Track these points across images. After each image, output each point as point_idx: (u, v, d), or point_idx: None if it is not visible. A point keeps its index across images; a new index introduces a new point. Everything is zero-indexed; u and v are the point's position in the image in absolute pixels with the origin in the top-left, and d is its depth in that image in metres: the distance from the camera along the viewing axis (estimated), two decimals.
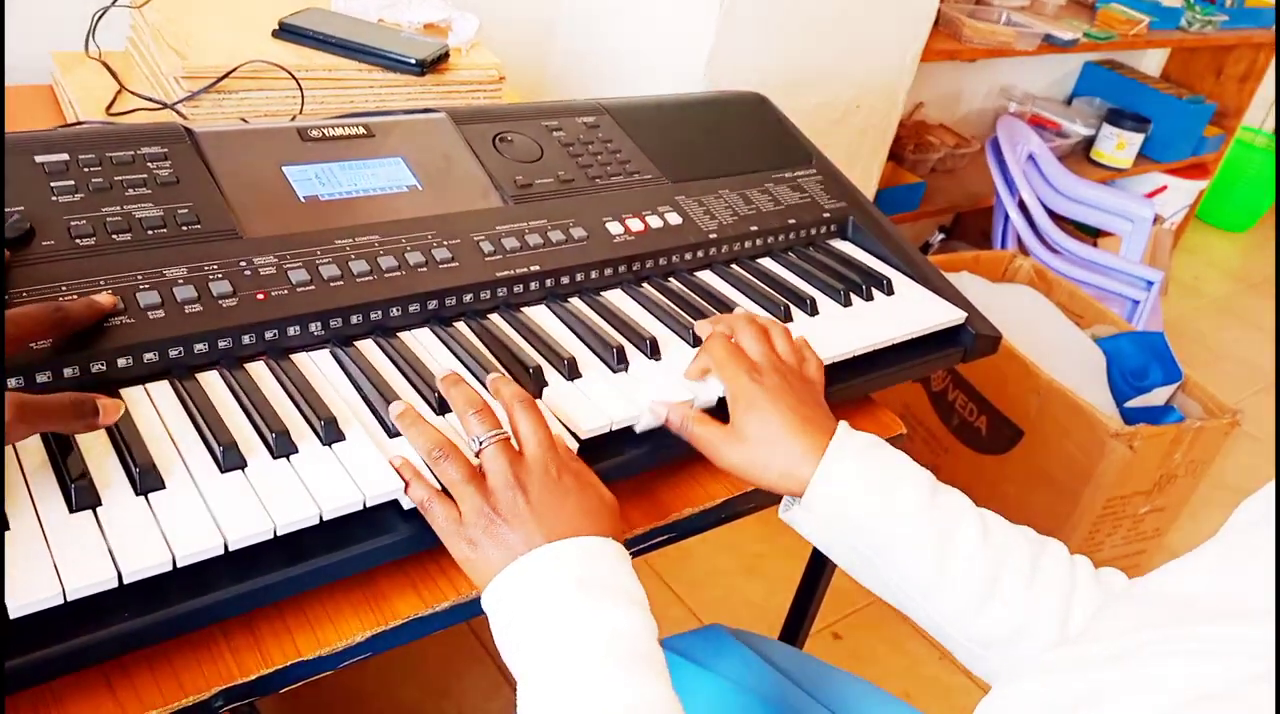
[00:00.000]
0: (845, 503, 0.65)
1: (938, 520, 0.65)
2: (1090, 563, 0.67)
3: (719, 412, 0.72)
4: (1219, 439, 1.55)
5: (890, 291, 0.92)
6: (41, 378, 0.58)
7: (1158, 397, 1.64)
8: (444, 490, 0.59)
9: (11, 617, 0.46)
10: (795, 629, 1.05)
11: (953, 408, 1.73)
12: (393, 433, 0.62)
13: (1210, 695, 0.41)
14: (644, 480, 0.75)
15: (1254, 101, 3.04)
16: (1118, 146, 2.65)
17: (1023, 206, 2.18)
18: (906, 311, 0.90)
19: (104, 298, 0.61)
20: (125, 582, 0.50)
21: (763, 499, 0.79)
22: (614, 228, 0.86)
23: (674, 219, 0.89)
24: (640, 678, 0.53)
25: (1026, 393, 1.56)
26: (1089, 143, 2.73)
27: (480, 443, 0.60)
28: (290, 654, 0.56)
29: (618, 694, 0.51)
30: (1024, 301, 1.80)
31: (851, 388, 0.84)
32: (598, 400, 0.70)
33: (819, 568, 1.02)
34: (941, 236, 2.65)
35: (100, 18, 1.06)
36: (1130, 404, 1.64)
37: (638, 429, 0.70)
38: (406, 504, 0.59)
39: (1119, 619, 0.52)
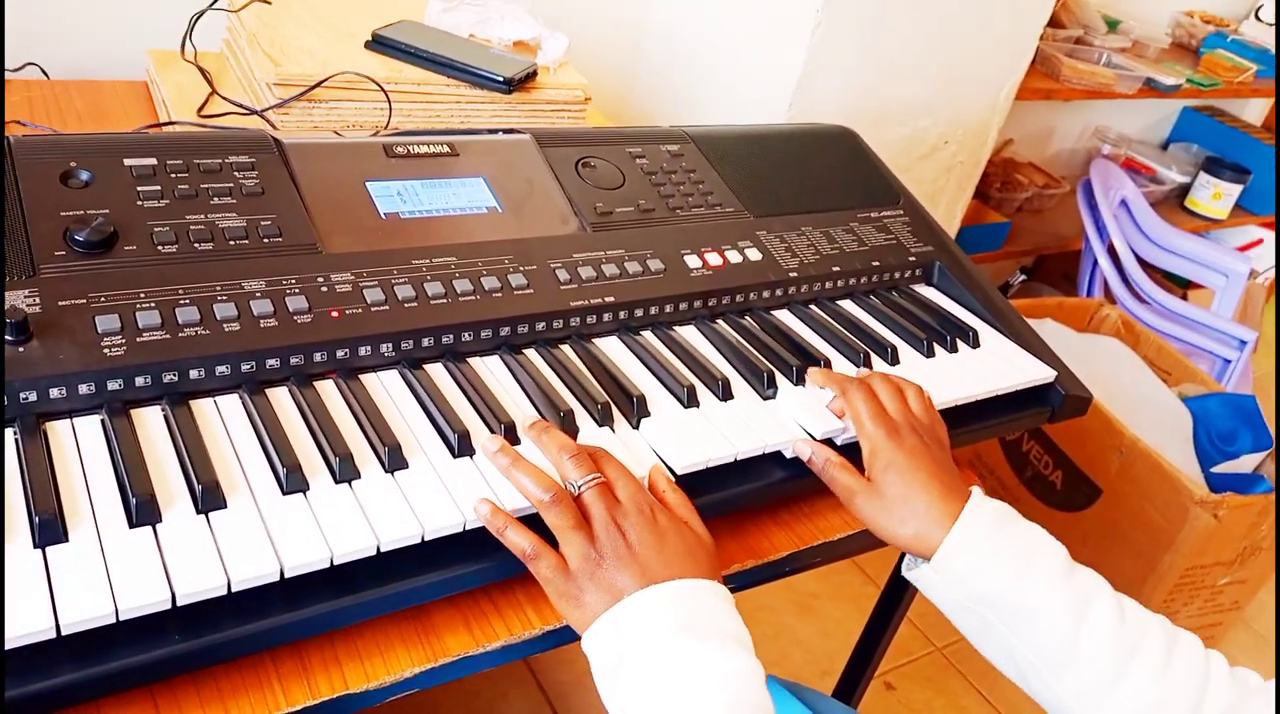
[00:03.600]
0: (979, 568, 0.65)
1: (1073, 593, 0.65)
2: (1225, 659, 0.65)
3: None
4: None
5: (976, 344, 0.88)
6: (113, 385, 0.58)
7: (1245, 463, 1.57)
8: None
9: (64, 633, 0.46)
10: (853, 681, 1.02)
11: (1027, 459, 1.67)
12: (458, 454, 0.61)
13: None
14: (740, 520, 0.74)
15: None
16: (1214, 196, 2.55)
17: (1112, 253, 2.11)
18: (992, 366, 0.86)
19: None
20: (179, 604, 0.49)
21: (829, 552, 0.76)
22: (692, 261, 0.84)
23: (754, 255, 0.87)
24: None
25: (1108, 451, 1.50)
26: (1184, 190, 2.63)
27: (578, 488, 0.60)
28: (338, 686, 0.55)
29: None
30: (1110, 354, 1.73)
31: None
32: (678, 439, 0.68)
33: (885, 620, 0.98)
34: (1023, 277, 2.57)
35: (198, 19, 1.08)
36: (1216, 469, 1.57)
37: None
38: (460, 527, 0.58)
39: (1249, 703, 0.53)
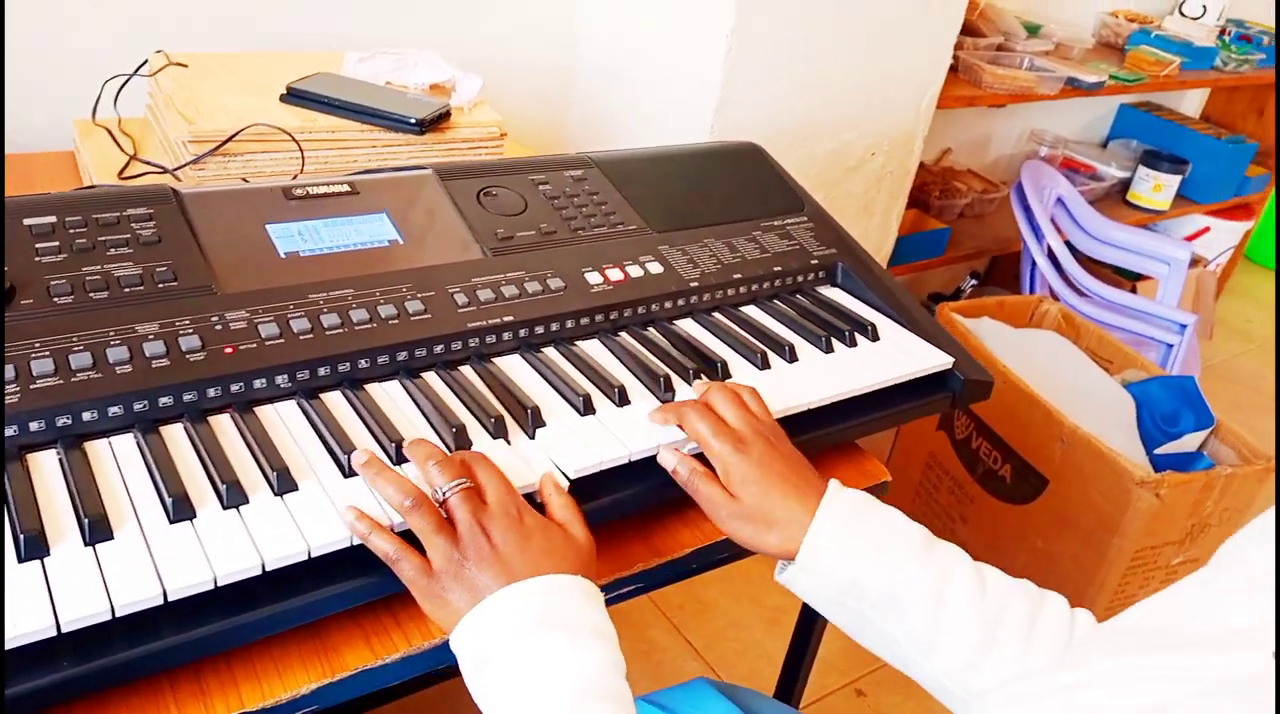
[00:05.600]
0: (838, 559, 0.66)
1: (932, 573, 0.65)
2: (1092, 616, 0.66)
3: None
4: (1252, 486, 1.49)
5: (876, 337, 0.91)
6: (9, 431, 0.60)
7: (1190, 442, 1.59)
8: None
9: None
10: (791, 680, 1.03)
11: (977, 456, 1.69)
12: (349, 474, 0.63)
13: (1132, 709, 0.41)
14: (645, 520, 0.77)
15: None
16: (1154, 188, 2.60)
17: (1051, 251, 2.15)
18: (890, 357, 0.88)
19: None
20: (64, 630, 0.51)
21: (736, 548, 0.78)
22: (593, 277, 0.86)
23: (655, 268, 0.90)
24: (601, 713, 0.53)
25: (1050, 440, 1.52)
26: (1125, 185, 2.69)
27: (444, 493, 0.61)
28: (234, 705, 0.56)
29: None
30: (1049, 347, 1.76)
31: (832, 435, 0.83)
32: (572, 445, 0.70)
33: (809, 625, 1.00)
34: (974, 282, 2.61)
35: (108, 84, 1.12)
36: (1160, 451, 1.59)
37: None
38: (347, 542, 0.59)
39: (1086, 653, 0.54)
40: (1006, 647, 0.63)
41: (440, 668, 0.63)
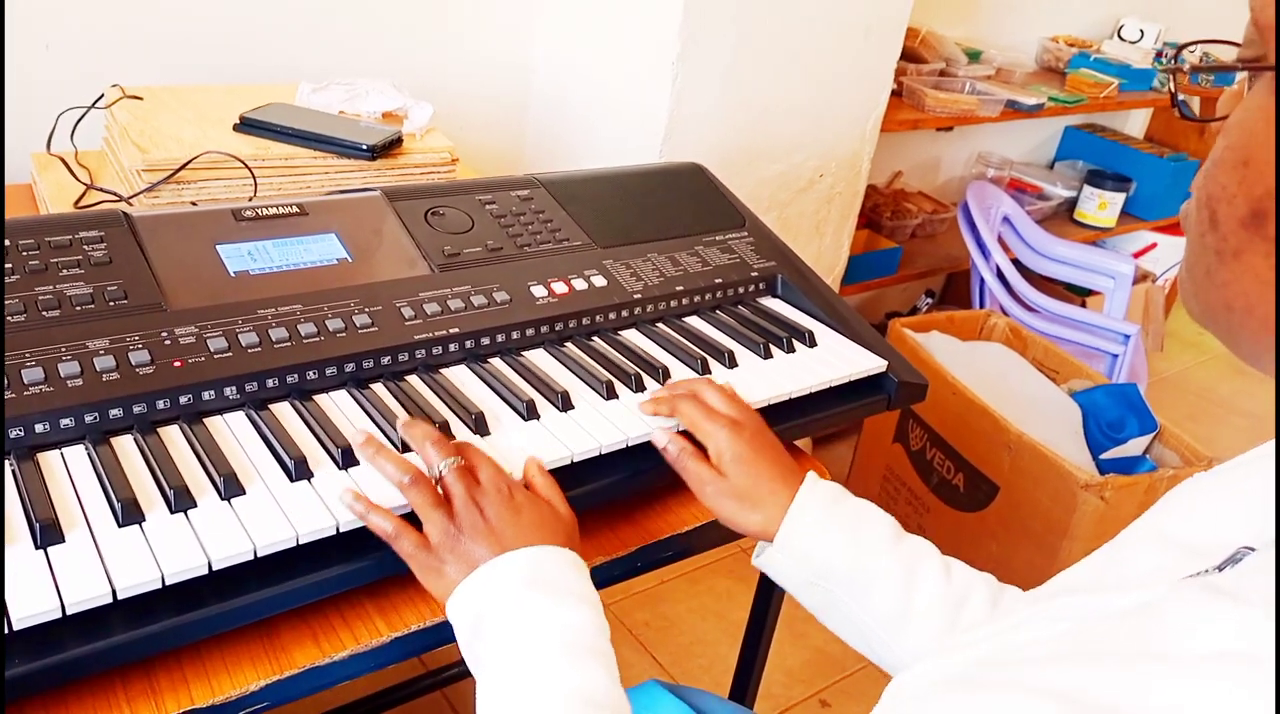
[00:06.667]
0: (813, 543, 0.70)
1: (902, 558, 0.70)
2: (1020, 594, 0.69)
3: None
4: None
5: (813, 343, 0.95)
6: None
7: (1134, 447, 1.64)
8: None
9: None
10: (744, 680, 1.05)
11: (931, 466, 1.73)
12: (295, 478, 0.65)
13: (1038, 640, 0.44)
14: (592, 519, 0.79)
15: None
16: (1100, 206, 2.68)
17: (999, 268, 2.21)
18: (827, 362, 0.92)
19: None
20: (15, 628, 0.52)
21: (679, 545, 0.81)
22: (538, 291, 0.89)
23: (599, 281, 0.93)
24: (585, 667, 0.57)
25: (999, 448, 1.57)
26: (1073, 204, 2.77)
27: (440, 471, 0.65)
28: (184, 702, 0.58)
29: (562, 680, 0.55)
30: (996, 359, 1.81)
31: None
32: (518, 449, 0.73)
33: (760, 623, 1.02)
34: (930, 301, 2.67)
35: (63, 116, 1.14)
36: (1106, 456, 1.64)
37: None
38: (294, 542, 0.62)
39: (1009, 609, 0.59)
40: (969, 629, 0.66)
41: (414, 670, 0.65)
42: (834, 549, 0.70)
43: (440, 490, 0.65)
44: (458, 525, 0.63)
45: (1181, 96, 0.48)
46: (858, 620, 0.71)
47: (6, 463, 0.63)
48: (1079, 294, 2.68)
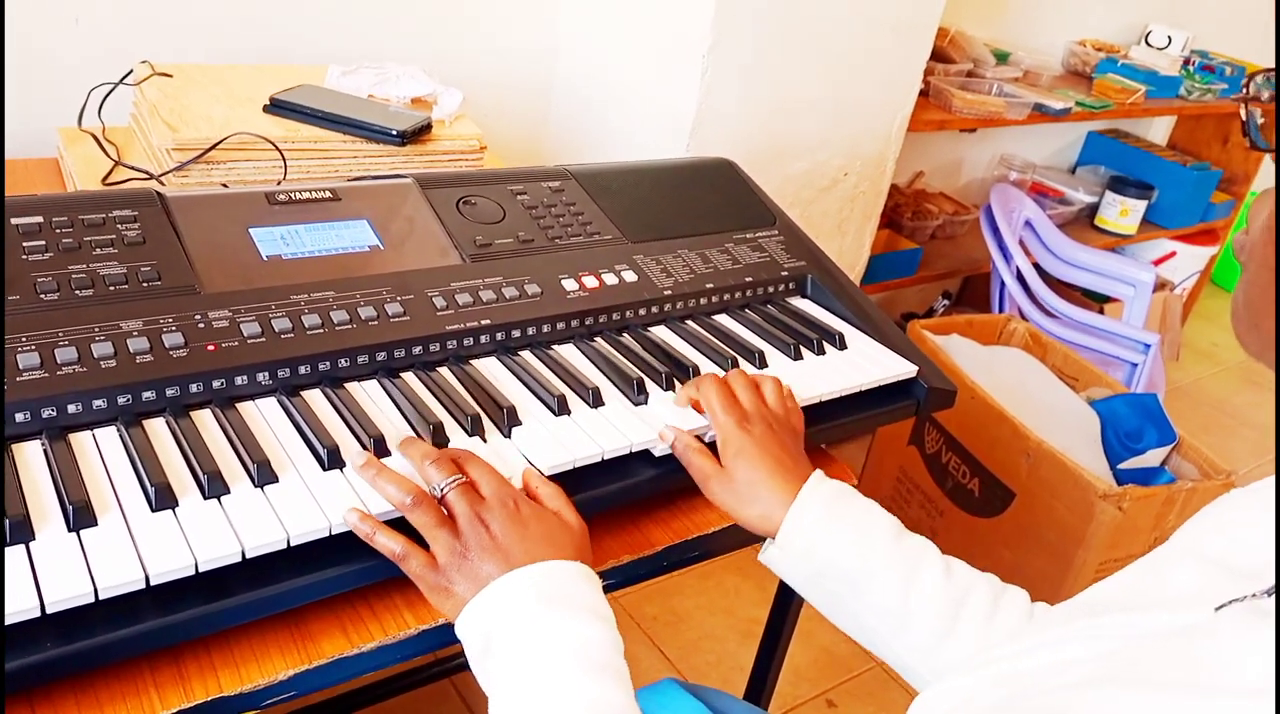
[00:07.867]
0: (817, 540, 0.70)
1: (904, 557, 0.70)
2: (1049, 607, 0.69)
3: None
4: (1213, 500, 1.53)
5: (843, 346, 0.94)
6: None
7: (1152, 458, 1.63)
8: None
9: None
10: (760, 680, 1.05)
11: (947, 470, 1.72)
12: (328, 467, 0.65)
13: (1079, 660, 0.44)
14: (619, 518, 0.79)
15: (1261, 168, 3.05)
16: (1121, 213, 2.66)
17: (1019, 272, 2.20)
18: (857, 365, 0.91)
19: None
20: (48, 612, 0.52)
21: (705, 546, 0.80)
22: (569, 284, 0.89)
23: (630, 277, 0.92)
24: (599, 682, 0.56)
25: (1016, 455, 1.56)
26: (1093, 210, 2.75)
27: (441, 489, 0.64)
28: (213, 690, 0.58)
29: (578, 695, 0.55)
30: (1016, 364, 1.80)
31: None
32: (547, 443, 0.72)
33: (778, 626, 1.02)
34: (946, 303, 2.66)
35: (94, 92, 1.13)
36: (1124, 466, 1.63)
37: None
38: (326, 532, 0.61)
39: (1040, 624, 0.59)
40: (969, 625, 0.67)
41: (422, 657, 0.65)
42: (835, 546, 0.70)
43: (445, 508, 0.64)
44: (464, 544, 0.62)
45: (1261, 119, 0.47)
46: (861, 617, 0.71)
47: (39, 443, 0.63)
48: (1096, 301, 2.67)
